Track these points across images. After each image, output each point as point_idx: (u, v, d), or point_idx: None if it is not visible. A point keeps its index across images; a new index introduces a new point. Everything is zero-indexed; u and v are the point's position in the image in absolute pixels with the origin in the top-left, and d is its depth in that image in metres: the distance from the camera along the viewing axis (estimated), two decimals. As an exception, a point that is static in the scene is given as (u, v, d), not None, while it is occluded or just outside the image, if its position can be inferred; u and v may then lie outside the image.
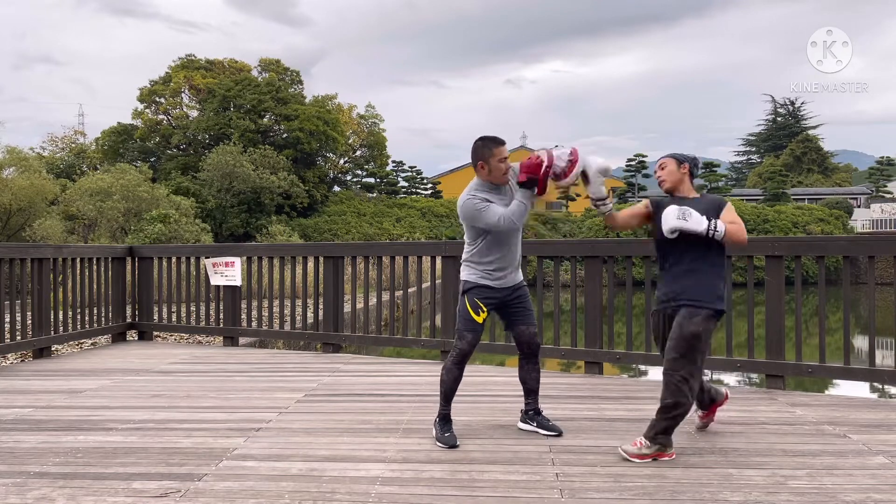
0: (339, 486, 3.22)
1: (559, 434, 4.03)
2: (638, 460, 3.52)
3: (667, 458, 3.56)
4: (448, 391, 4.01)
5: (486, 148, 3.87)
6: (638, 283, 9.12)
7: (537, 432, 4.08)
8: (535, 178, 3.78)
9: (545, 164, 3.75)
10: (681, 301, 3.67)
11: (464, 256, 4.07)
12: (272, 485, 3.24)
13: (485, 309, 3.97)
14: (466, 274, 4.02)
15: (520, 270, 4.11)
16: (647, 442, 3.57)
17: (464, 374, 4.06)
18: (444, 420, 3.99)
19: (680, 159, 3.84)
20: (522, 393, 4.21)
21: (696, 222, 3.54)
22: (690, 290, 3.65)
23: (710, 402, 4.04)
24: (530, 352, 4.12)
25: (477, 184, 3.93)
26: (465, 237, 4.10)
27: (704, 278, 3.66)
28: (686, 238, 3.63)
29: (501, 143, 3.90)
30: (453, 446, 3.82)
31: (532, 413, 4.16)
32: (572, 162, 3.77)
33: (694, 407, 3.88)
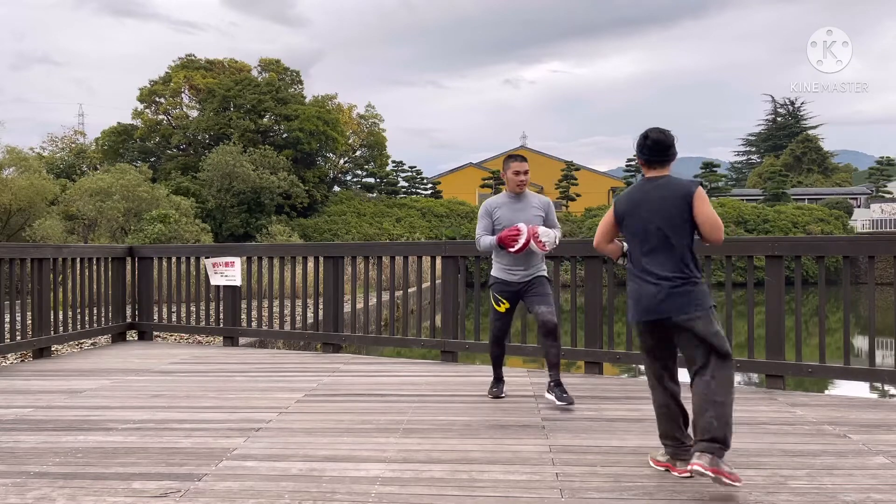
0: (339, 486, 3.22)
1: (570, 404, 4.66)
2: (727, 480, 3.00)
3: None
4: (495, 360, 5.08)
5: (504, 162, 4.95)
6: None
7: (554, 402, 4.72)
8: (505, 245, 4.72)
9: (521, 241, 4.66)
10: None
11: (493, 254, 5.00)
12: (272, 485, 3.24)
13: (504, 300, 4.88)
14: (492, 270, 4.96)
15: (539, 265, 4.91)
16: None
17: (503, 351, 5.12)
18: (497, 380, 5.09)
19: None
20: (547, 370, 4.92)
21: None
22: None
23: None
24: (546, 330, 4.76)
25: (502, 195, 4.99)
26: None
27: None
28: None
29: (517, 159, 4.94)
30: (498, 397, 4.97)
31: (552, 385, 4.82)
32: (519, 240, 4.69)
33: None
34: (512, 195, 4.92)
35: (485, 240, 4.86)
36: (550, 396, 4.79)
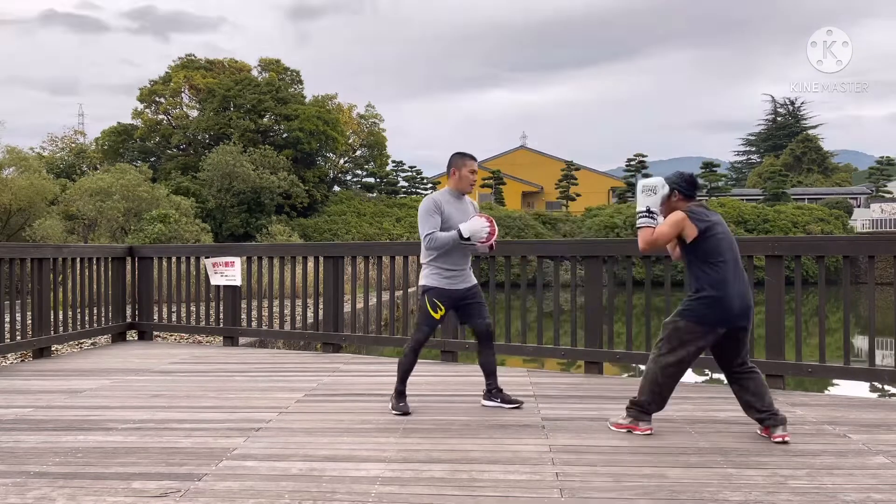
0: (339, 486, 3.22)
1: (519, 406, 4.69)
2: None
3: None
4: (404, 371, 4.69)
5: (460, 159, 4.71)
6: (638, 283, 9.12)
7: (501, 407, 4.70)
8: (470, 240, 4.54)
9: (485, 238, 4.56)
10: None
11: (422, 259, 4.74)
12: (272, 485, 3.24)
13: (442, 307, 4.64)
14: (425, 276, 4.69)
15: (471, 273, 4.80)
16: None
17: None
18: (400, 395, 4.67)
19: (671, 187, 4.04)
20: (484, 377, 4.81)
21: (640, 202, 4.08)
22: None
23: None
24: (489, 337, 4.77)
25: (443, 190, 4.76)
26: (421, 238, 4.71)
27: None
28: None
29: (473, 158, 4.75)
30: (406, 413, 4.53)
31: (495, 391, 4.78)
32: (490, 234, 4.60)
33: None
34: (456, 194, 4.72)
35: (442, 236, 4.53)
36: (493, 403, 4.74)
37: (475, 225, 4.53)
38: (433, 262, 4.64)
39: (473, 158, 4.77)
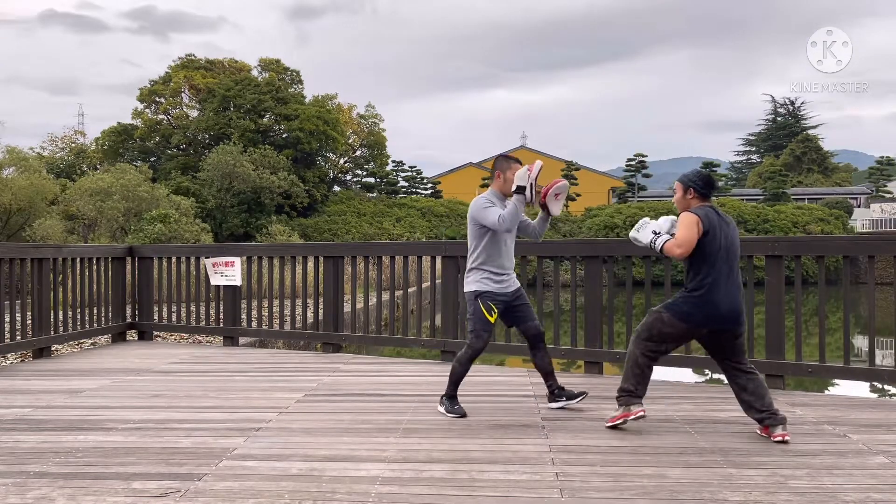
0: (339, 486, 3.22)
1: (584, 395, 4.72)
2: None
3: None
4: (458, 378, 4.63)
5: (505, 162, 4.67)
6: (638, 283, 9.12)
7: (567, 406, 4.68)
8: (524, 186, 4.42)
9: (532, 174, 4.41)
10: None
11: (469, 265, 4.68)
12: (272, 485, 3.24)
13: (496, 310, 4.57)
14: (475, 281, 4.61)
15: (514, 276, 4.75)
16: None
17: (467, 373, 4.67)
18: (452, 398, 4.62)
19: (685, 185, 4.17)
20: (542, 379, 4.79)
21: (644, 235, 4.19)
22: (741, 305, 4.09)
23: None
24: (540, 339, 4.69)
25: (489, 192, 4.69)
26: (468, 244, 4.69)
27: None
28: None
29: (519, 161, 4.68)
30: (464, 415, 4.49)
31: (557, 391, 4.73)
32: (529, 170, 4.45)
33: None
34: (501, 196, 4.64)
35: (507, 208, 4.43)
36: (560, 404, 4.71)
37: (518, 174, 4.43)
38: (482, 266, 4.59)
39: (519, 162, 4.71)
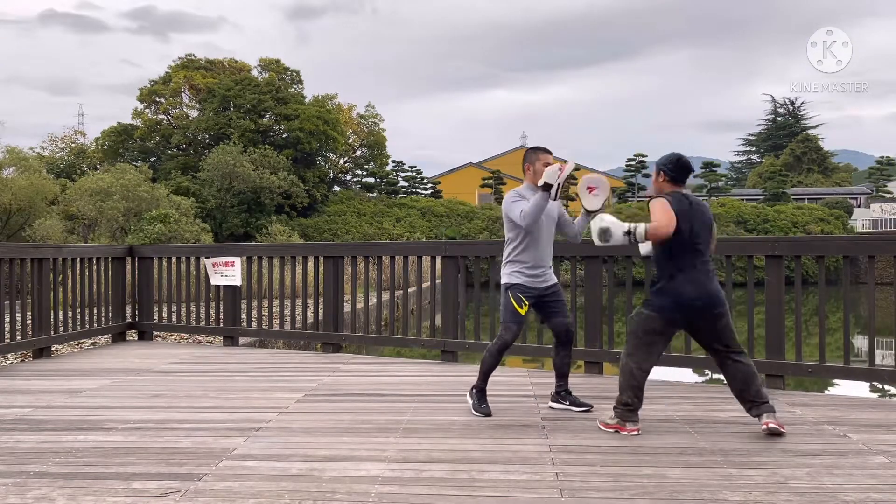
0: (339, 486, 3.22)
1: (590, 408, 4.60)
2: None
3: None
4: (488, 370, 4.61)
5: (533, 153, 4.62)
6: (638, 283, 9.12)
7: (570, 410, 4.62)
8: (551, 184, 4.31)
9: (563, 175, 4.29)
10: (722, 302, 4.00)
11: (504, 258, 4.66)
12: (272, 485, 3.24)
13: (526, 302, 4.53)
14: (508, 273, 4.60)
15: (552, 272, 4.70)
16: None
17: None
18: (481, 392, 4.61)
19: (657, 168, 4.10)
20: (554, 377, 4.74)
21: (617, 228, 3.90)
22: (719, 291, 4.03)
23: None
24: (567, 340, 4.66)
25: (523, 186, 4.65)
26: (505, 237, 4.68)
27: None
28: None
29: (546, 151, 4.64)
30: (488, 415, 4.46)
31: (564, 393, 4.70)
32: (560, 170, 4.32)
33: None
34: (534, 188, 4.52)
35: (530, 203, 4.36)
36: (562, 405, 4.68)
37: (547, 171, 4.34)
38: (517, 258, 4.56)
39: (547, 151, 4.65)
